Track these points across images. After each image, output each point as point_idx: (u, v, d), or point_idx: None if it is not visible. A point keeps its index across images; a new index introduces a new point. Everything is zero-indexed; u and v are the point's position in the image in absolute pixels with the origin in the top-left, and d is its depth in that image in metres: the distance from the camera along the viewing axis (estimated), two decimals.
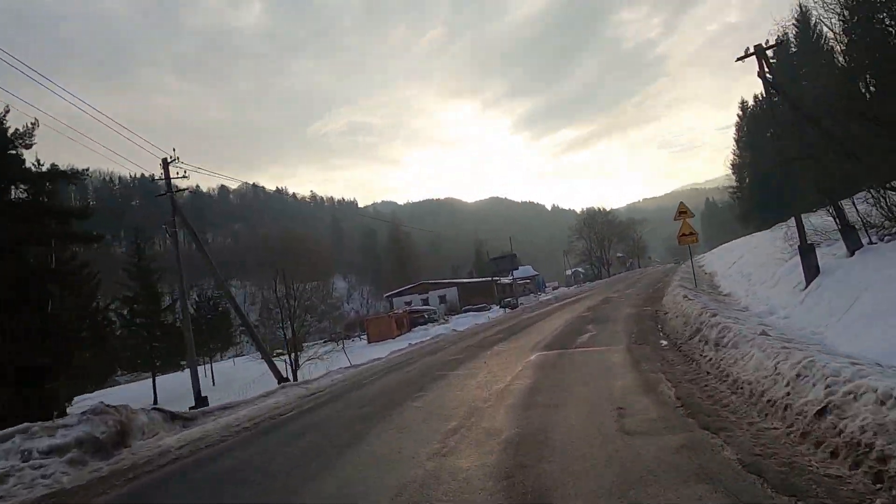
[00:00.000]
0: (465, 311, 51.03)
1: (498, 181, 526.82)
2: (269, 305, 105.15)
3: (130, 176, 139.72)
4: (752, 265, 20.26)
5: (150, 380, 34.46)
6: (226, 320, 44.71)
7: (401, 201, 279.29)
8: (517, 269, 39.27)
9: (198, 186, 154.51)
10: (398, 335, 46.62)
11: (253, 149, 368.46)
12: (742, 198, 76.14)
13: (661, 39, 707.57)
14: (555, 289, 74.47)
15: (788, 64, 57.37)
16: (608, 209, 64.40)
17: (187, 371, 32.12)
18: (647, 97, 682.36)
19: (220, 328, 43.55)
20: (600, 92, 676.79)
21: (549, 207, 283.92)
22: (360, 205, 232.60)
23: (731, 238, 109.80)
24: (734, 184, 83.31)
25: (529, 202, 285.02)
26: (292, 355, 26.59)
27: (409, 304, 62.87)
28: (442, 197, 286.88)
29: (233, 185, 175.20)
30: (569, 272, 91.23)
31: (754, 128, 73.00)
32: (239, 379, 31.40)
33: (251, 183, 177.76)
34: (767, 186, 67.33)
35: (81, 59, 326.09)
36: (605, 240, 64.36)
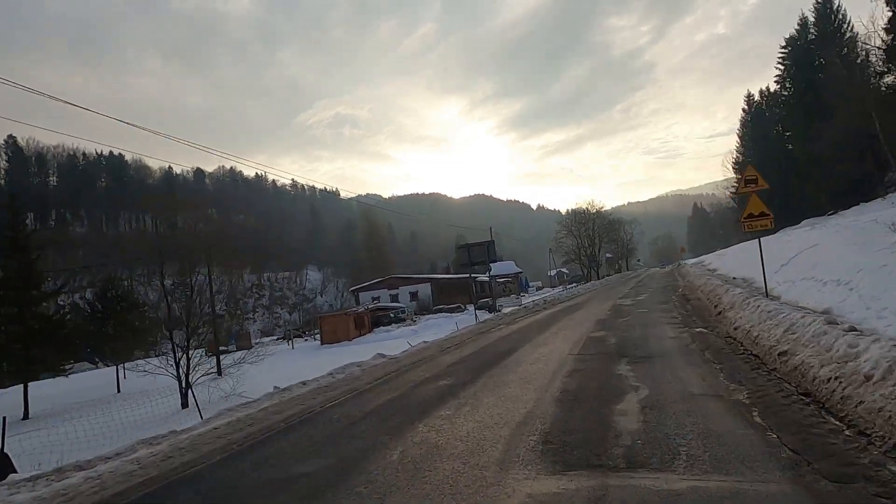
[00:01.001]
0: (437, 312, 43.81)
1: (484, 179, 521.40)
2: (236, 295, 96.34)
3: (97, 153, 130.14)
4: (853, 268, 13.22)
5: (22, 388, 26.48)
6: (140, 316, 36.79)
7: (386, 195, 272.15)
8: (497, 261, 32.17)
9: (170, 167, 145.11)
10: (357, 336, 39.30)
11: (236, 137, 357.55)
12: (743, 199, 69.70)
13: (649, 47, 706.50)
14: (539, 289, 67.50)
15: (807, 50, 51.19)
16: (600, 205, 58.36)
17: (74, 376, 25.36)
18: (634, 104, 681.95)
19: (127, 325, 35.63)
20: (587, 97, 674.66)
21: (534, 207, 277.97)
22: (344, 197, 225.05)
23: (720, 245, 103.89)
24: (734, 185, 77.25)
25: (514, 201, 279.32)
26: (186, 366, 18.90)
27: (376, 299, 55.47)
28: (427, 192, 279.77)
29: (209, 169, 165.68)
30: (552, 272, 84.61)
31: (761, 123, 66.89)
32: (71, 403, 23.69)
33: (228, 167, 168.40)
34: (772, 185, 60.97)
35: (62, 35, 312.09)
36: (596, 238, 57.92)
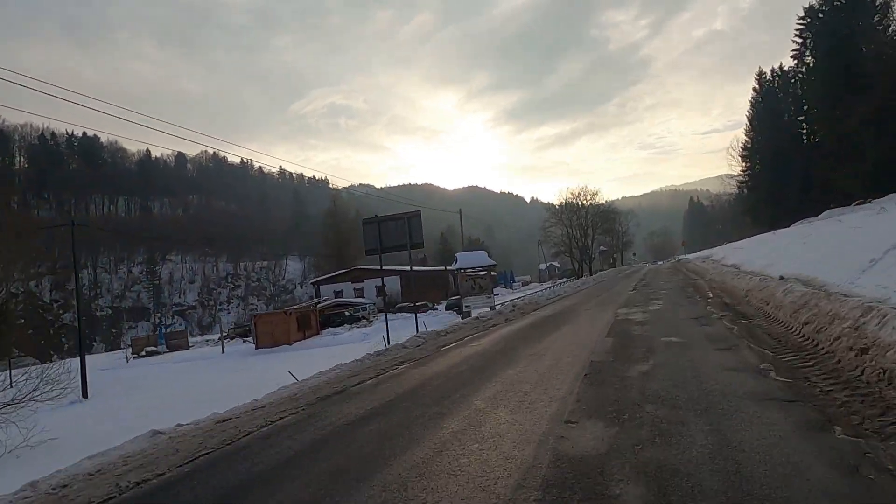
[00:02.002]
0: (399, 311, 36.47)
1: (478, 171, 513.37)
2: (209, 284, 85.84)
3: (68, 132, 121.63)
4: None
5: None
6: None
7: (379, 185, 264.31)
8: (420, 247, 24.59)
9: (148, 151, 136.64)
10: (300, 339, 31.95)
11: (230, 123, 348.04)
12: (753, 187, 62.84)
13: (646, 42, 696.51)
14: (525, 284, 60.23)
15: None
16: (595, 190, 50.78)
17: None
18: (630, 99, 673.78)
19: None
20: (583, 91, 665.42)
21: (527, 200, 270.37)
22: (333, 186, 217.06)
23: (719, 241, 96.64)
24: (740, 173, 69.87)
25: (508, 193, 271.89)
26: None
27: (339, 293, 48.09)
28: (420, 182, 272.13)
29: (191, 153, 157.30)
30: (543, 266, 77.36)
31: (774, 104, 59.50)
32: None
33: (212, 152, 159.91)
34: (786, 172, 53.79)
35: (54, 17, 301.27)
36: (589, 227, 50.64)
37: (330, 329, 34.12)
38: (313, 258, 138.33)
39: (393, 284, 46.15)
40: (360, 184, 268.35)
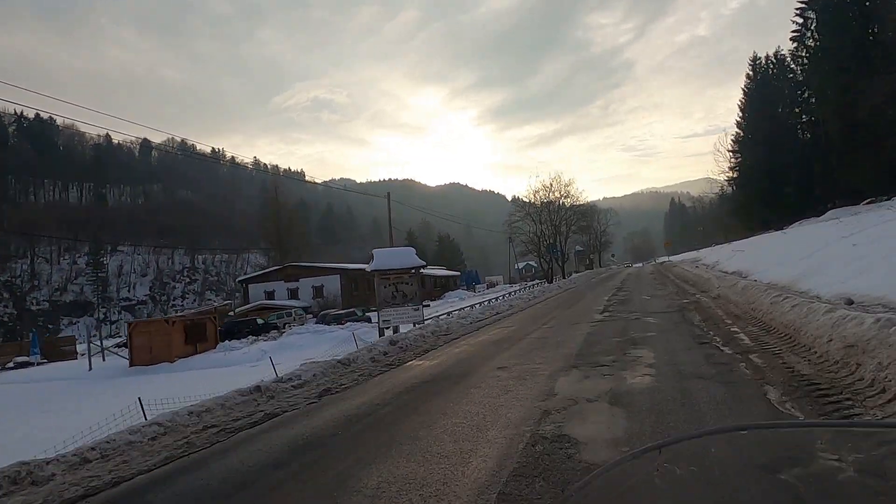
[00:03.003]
0: (323, 319, 29.27)
1: (459, 168, 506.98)
2: (163, 278, 76.77)
3: (16, 113, 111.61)
4: None
5: None
6: None
7: (360, 179, 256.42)
8: (403, 249, 18.10)
9: (107, 136, 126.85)
10: (190, 354, 24.62)
11: (212, 115, 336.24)
12: (743, 184, 56.39)
13: (629, 46, 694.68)
14: (491, 286, 53.22)
15: None
16: (569, 179, 43.17)
17: None
18: (612, 101, 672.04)
19: None
20: (567, 92, 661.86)
21: (508, 198, 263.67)
22: (319, 181, 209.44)
23: (700, 243, 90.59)
24: (728, 169, 63.42)
25: (489, 191, 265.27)
26: None
27: (270, 294, 40.62)
28: (401, 178, 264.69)
29: (156, 140, 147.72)
30: (520, 265, 70.55)
31: (769, 93, 53.21)
32: None
33: (179, 139, 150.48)
34: (782, 168, 47.34)
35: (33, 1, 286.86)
36: (563, 224, 43.67)
37: (229, 342, 26.70)
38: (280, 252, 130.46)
39: (332, 285, 38.83)
40: (341, 178, 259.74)
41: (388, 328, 18.57)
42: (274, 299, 39.47)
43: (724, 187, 65.90)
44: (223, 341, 27.19)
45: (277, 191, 60.45)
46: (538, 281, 54.41)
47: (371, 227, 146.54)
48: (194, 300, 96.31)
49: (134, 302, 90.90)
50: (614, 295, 17.37)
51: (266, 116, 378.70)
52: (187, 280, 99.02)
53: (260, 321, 30.19)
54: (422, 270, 44.02)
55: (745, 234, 56.17)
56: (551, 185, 40.83)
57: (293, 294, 39.55)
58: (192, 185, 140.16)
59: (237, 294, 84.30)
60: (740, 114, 53.06)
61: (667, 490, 0.94)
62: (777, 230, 49.95)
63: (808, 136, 46.65)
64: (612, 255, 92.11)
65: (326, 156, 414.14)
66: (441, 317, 20.44)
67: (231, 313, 36.29)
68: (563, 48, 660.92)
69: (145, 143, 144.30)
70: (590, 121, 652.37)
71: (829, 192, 42.25)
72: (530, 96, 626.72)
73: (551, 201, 41.91)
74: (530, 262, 75.11)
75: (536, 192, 40.75)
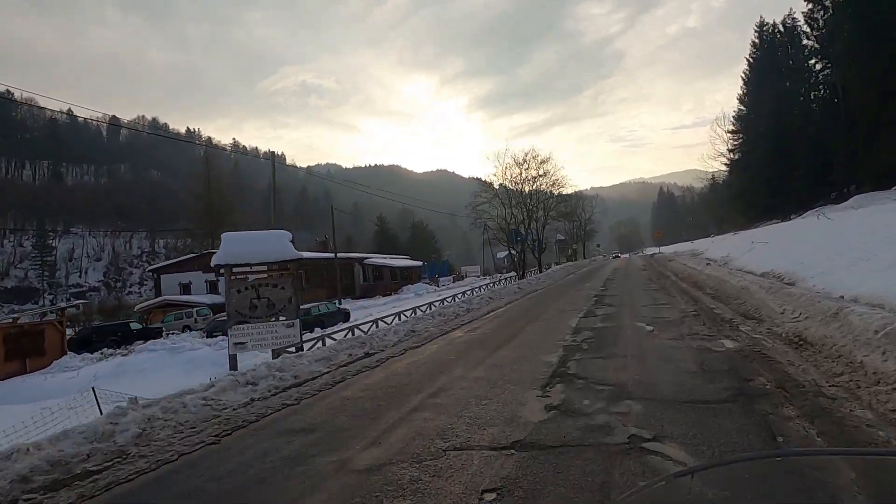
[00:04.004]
0: (215, 334, 22.00)
1: (448, 156, 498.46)
2: (119, 263, 65.67)
3: None
4: None
5: None
6: None
7: (347, 165, 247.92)
8: (270, 234, 12.18)
9: (70, 111, 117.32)
10: (4, 376, 17.34)
11: (198, 97, 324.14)
12: (747, 167, 49.23)
13: (619, 36, 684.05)
14: (459, 279, 46.33)
15: None
16: (546, 156, 34.99)
17: None
18: (602, 91, 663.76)
19: None
20: (557, 82, 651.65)
21: (496, 185, 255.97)
22: (304, 165, 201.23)
23: (689, 234, 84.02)
24: (728, 152, 56.41)
25: (477, 179, 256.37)
26: None
27: (186, 286, 33.28)
28: (387, 164, 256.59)
29: (125, 118, 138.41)
30: (500, 255, 63.56)
31: (779, 62, 46.20)
32: None
33: (150, 118, 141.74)
34: (792, 148, 39.92)
35: None
36: (540, 208, 36.05)
37: (76, 356, 19.35)
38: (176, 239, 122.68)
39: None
40: (327, 163, 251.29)
41: (269, 350, 11.83)
42: (190, 293, 32.18)
43: (716, 176, 59.11)
44: (77, 352, 19.90)
45: (210, 164, 52.52)
46: (512, 275, 47.70)
47: (351, 212, 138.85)
48: (153, 287, 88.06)
49: (85, 288, 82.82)
50: (590, 315, 10.30)
51: (253, 101, 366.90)
52: (146, 265, 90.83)
53: (136, 326, 22.84)
54: (380, 260, 37.19)
55: (743, 225, 49.57)
56: (525, 160, 33.63)
57: (213, 287, 32.23)
58: (165, 167, 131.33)
59: (145, 283, 73.92)
60: (743, 87, 46.05)
61: None
62: (783, 220, 43.27)
63: (824, 111, 39.72)
64: (598, 246, 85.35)
65: (314, 141, 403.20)
66: (364, 327, 13.36)
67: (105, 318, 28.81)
68: (553, 38, 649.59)
69: (113, 122, 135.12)
70: (579, 111, 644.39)
71: (849, 176, 35.55)
72: (520, 85, 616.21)
73: (526, 180, 34.57)
74: (513, 252, 68.11)
75: (507, 168, 33.52)
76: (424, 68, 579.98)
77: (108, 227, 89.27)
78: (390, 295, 38.09)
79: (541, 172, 34.34)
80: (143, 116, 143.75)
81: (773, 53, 43.72)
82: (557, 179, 36.46)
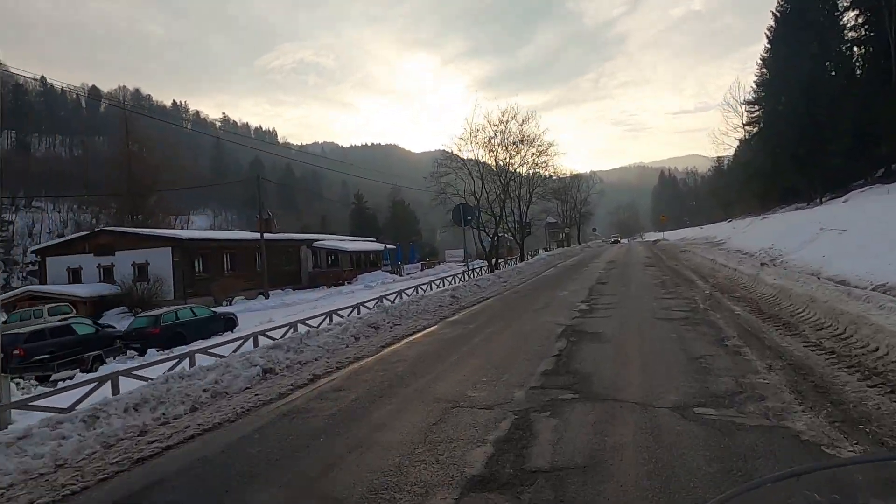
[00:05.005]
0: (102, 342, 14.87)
1: (447, 136, 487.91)
2: None
3: None
4: None
5: None
6: None
7: (345, 144, 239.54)
8: None
9: (43, 79, 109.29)
10: None
11: (196, 72, 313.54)
12: (769, 138, 41.32)
13: (622, 18, 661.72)
14: (427, 267, 39.67)
15: None
16: (527, 115, 27.48)
17: None
18: (604, 74, 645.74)
19: None
20: (558, 64, 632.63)
21: (463, 153, 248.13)
22: (302, 143, 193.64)
23: (692, 220, 76.65)
24: (744, 128, 48.70)
25: (476, 160, 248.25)
26: None
27: (76, 271, 26.39)
28: (384, 143, 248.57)
29: (105, 88, 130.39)
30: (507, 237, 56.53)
31: (813, 15, 38.10)
32: None
33: (132, 88, 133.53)
34: (823, 122, 31.65)
35: None
36: (523, 184, 28.66)
37: None
38: (235, 213, 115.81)
39: (161, 261, 24.53)
40: (325, 142, 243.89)
41: None
42: (81, 280, 25.39)
43: (722, 159, 51.67)
44: None
45: (126, 131, 45.23)
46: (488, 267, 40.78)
47: (340, 190, 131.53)
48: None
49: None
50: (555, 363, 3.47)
51: (252, 78, 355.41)
52: None
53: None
54: (334, 243, 30.73)
55: (758, 210, 42.44)
56: (501, 120, 26.26)
57: (107, 274, 25.35)
58: (149, 140, 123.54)
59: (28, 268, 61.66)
60: (767, 46, 38.28)
61: None
62: (809, 204, 36.19)
63: (867, 73, 32.24)
64: (594, 230, 78.14)
65: (312, 119, 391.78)
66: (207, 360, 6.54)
67: None
68: (555, 19, 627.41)
69: (93, 93, 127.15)
70: (580, 93, 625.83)
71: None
72: (521, 67, 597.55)
73: (501, 145, 27.04)
74: (506, 235, 60.99)
75: (477, 131, 26.13)
76: (424, 47, 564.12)
77: (75, 202, 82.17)
78: (342, 284, 31.24)
79: (520, 138, 27.04)
80: (125, 87, 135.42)
81: (804, 3, 35.96)
82: (544, 149, 29.20)
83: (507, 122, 26.27)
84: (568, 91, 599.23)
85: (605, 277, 14.42)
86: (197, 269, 25.18)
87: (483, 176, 25.73)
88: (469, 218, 15.83)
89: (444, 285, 17.77)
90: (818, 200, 34.22)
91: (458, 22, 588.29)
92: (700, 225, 53.14)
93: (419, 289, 18.36)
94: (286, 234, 36.19)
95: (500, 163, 26.67)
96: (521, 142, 26.96)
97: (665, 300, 9.09)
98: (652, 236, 62.09)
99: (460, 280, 19.95)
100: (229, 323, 16.40)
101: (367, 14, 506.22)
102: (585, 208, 56.86)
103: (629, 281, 12.96)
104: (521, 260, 32.57)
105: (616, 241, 64.68)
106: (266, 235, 29.81)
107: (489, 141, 26.19)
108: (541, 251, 43.52)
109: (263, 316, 19.25)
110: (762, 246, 15.86)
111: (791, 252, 13.14)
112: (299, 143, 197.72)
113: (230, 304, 23.49)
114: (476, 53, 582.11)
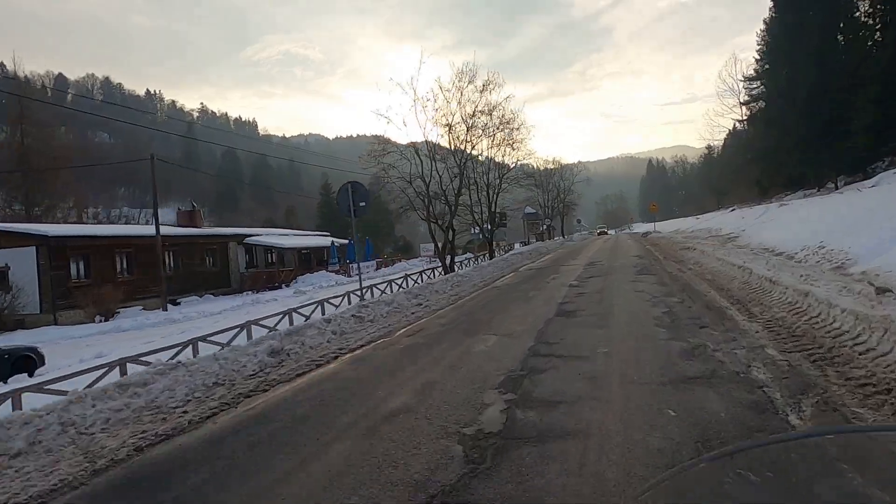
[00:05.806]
0: None
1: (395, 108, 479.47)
2: None
3: None
4: None
5: None
6: None
7: (331, 136, 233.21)
8: None
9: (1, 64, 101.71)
10: None
11: (179, 64, 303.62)
12: (773, 119, 36.06)
13: (609, 10, 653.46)
14: (383, 266, 34.60)
15: None
16: (501, 80, 22.83)
17: None
18: (591, 66, 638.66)
19: None
20: (545, 55, 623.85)
21: (482, 158, 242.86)
22: (284, 135, 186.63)
23: (681, 209, 71.88)
24: (744, 105, 43.55)
25: (462, 150, 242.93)
26: None
27: None
28: (369, 133, 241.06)
29: (72, 76, 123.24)
30: (474, 230, 51.36)
31: None
32: None
33: (102, 76, 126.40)
34: (838, 99, 26.55)
35: None
36: (488, 167, 26.91)
37: None
38: (208, 206, 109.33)
39: (24, 265, 19.01)
40: (310, 133, 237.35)
41: None
42: None
43: (711, 150, 46.86)
44: None
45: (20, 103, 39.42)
46: (472, 255, 36.02)
47: (320, 183, 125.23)
48: None
49: None
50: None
51: (237, 69, 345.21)
52: None
53: None
54: (271, 238, 25.69)
55: (756, 198, 37.59)
56: (455, 85, 20.71)
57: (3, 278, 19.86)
58: (118, 130, 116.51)
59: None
60: (771, 9, 33.04)
61: (739, 497, 0.88)
62: (818, 189, 31.43)
63: (886, 44, 27.23)
64: (579, 221, 73.10)
65: (300, 112, 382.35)
66: None
67: None
68: (542, 10, 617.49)
69: (60, 80, 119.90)
70: (567, 85, 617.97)
71: None
72: (507, 59, 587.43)
73: (456, 119, 21.73)
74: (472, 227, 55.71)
75: (428, 100, 20.71)
76: (411, 38, 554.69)
77: (18, 190, 75.45)
78: (278, 287, 25.88)
79: (482, 108, 21.79)
80: (93, 75, 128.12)
81: None
82: (510, 119, 23.92)
83: (463, 87, 20.88)
84: (555, 83, 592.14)
85: (577, 295, 9.23)
86: (75, 274, 19.77)
87: (433, 156, 20.39)
88: (362, 204, 10.51)
89: (348, 302, 12.54)
90: (833, 185, 29.39)
91: (442, 14, 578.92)
92: (691, 215, 48.27)
93: (346, 297, 13.28)
94: (211, 230, 30.67)
95: (455, 140, 21.33)
96: (483, 112, 21.63)
97: (691, 388, 3.87)
98: (641, 228, 57.09)
99: (383, 290, 14.73)
100: (28, 363, 10.96)
101: (352, 6, 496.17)
102: (569, 198, 51.65)
103: (611, 307, 7.73)
104: (491, 256, 27.44)
105: (603, 233, 59.69)
106: (185, 231, 24.25)
107: (439, 115, 20.75)
108: (517, 245, 38.43)
109: (127, 342, 13.91)
110: (806, 244, 10.76)
111: (871, 256, 8.04)
112: (281, 135, 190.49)
113: (107, 320, 18.17)
114: (461, 45, 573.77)
